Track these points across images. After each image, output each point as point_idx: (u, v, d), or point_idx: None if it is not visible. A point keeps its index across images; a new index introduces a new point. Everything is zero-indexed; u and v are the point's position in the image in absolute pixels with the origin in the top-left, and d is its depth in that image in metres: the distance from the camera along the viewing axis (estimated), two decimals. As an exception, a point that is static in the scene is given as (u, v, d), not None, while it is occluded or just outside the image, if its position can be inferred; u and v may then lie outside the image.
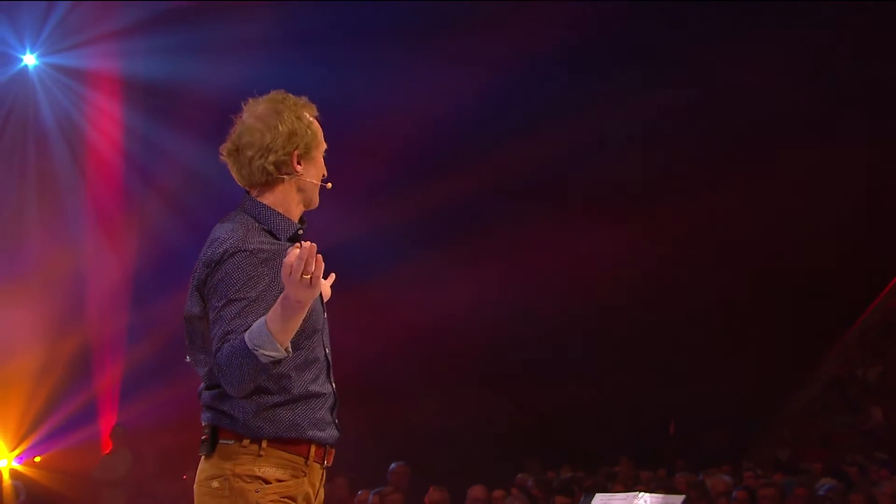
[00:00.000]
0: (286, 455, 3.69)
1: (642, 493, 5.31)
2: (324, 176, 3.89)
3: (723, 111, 15.20)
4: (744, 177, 15.35)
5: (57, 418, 14.41)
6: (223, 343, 3.50)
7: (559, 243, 15.64)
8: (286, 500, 3.68)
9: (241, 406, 3.64)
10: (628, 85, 14.87)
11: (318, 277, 3.39)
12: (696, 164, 15.58)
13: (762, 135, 15.30)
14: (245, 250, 3.61)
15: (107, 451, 14.00)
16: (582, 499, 5.34)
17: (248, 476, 3.64)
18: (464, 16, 14.05)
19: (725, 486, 10.80)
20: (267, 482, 3.64)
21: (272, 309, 3.44)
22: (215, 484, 3.66)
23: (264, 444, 3.65)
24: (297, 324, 3.48)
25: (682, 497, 5.34)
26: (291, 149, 3.76)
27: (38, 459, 14.39)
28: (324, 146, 3.89)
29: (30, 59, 14.35)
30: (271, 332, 3.42)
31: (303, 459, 3.72)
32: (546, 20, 13.91)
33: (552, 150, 14.88)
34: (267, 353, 3.43)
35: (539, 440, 15.86)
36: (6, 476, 13.92)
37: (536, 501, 10.77)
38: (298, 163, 3.79)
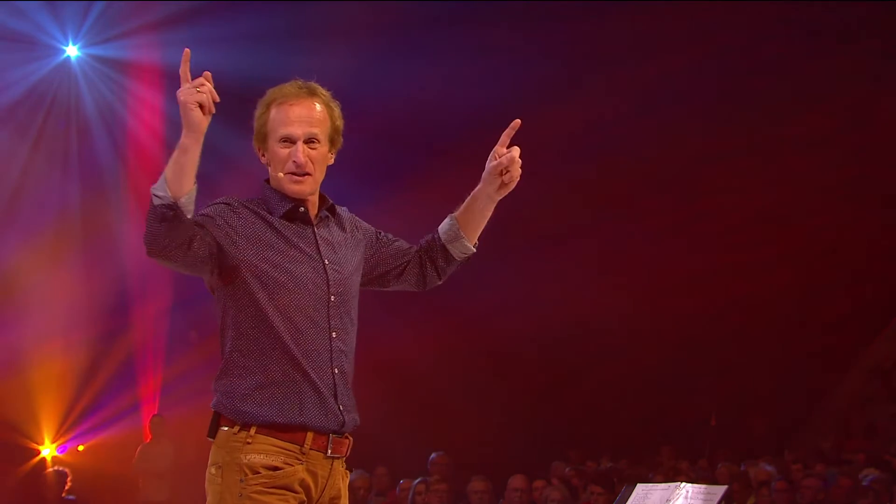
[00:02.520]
0: (278, 442, 3.66)
1: (684, 483, 5.27)
2: (295, 163, 3.85)
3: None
4: (789, 165, 15.26)
5: (100, 408, 14.52)
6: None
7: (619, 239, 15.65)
8: (276, 490, 3.63)
9: (228, 388, 3.71)
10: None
11: (208, 91, 3.62)
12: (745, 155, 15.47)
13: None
14: (224, 203, 3.83)
15: (147, 441, 14.10)
16: (623, 489, 5.30)
17: (236, 465, 3.64)
18: (479, 10, 14.01)
19: (768, 477, 10.75)
20: (255, 471, 3.62)
21: None
22: (212, 471, 3.70)
23: (253, 430, 3.65)
24: (185, 162, 3.57)
25: (724, 487, 5.28)
26: (256, 146, 3.96)
27: (81, 448, 14.50)
28: (279, 133, 3.86)
29: (72, 50, 14.41)
30: (164, 172, 3.54)
31: (298, 447, 3.69)
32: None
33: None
34: (156, 192, 3.52)
35: (580, 431, 15.83)
36: (53, 463, 14.05)
37: (575, 491, 10.75)
38: (263, 154, 3.94)
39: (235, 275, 3.73)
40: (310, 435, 3.70)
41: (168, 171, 3.53)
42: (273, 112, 3.87)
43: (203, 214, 3.74)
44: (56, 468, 12.27)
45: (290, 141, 3.84)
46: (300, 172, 3.83)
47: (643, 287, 16.26)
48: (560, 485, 10.34)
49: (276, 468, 3.64)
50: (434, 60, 14.06)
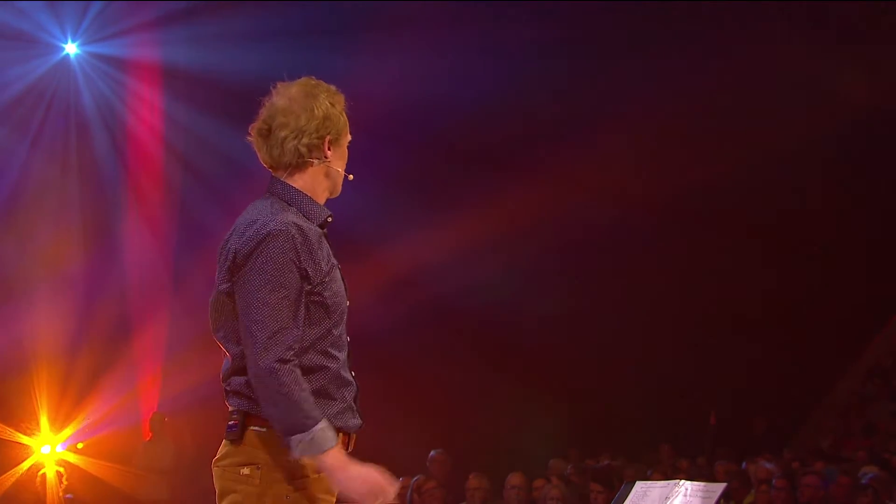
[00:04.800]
0: None
1: (683, 481, 5.27)
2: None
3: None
4: (786, 165, 15.25)
5: (100, 406, 14.51)
6: (273, 362, 3.51)
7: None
8: (322, 492, 3.66)
9: None
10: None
11: None
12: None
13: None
14: (286, 232, 3.58)
15: (147, 439, 14.10)
16: (623, 487, 5.30)
17: (281, 466, 3.61)
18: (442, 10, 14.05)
19: (767, 474, 10.75)
20: (304, 474, 3.62)
21: (329, 436, 3.52)
22: (246, 471, 3.63)
23: None
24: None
25: (723, 485, 5.29)
26: (325, 133, 3.77)
27: (80, 446, 14.49)
28: (349, 137, 3.88)
29: (71, 48, 14.41)
30: (316, 445, 3.51)
31: None
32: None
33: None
34: (307, 443, 3.50)
35: (579, 428, 15.82)
36: (51, 462, 14.05)
37: (575, 489, 10.75)
38: (329, 148, 3.80)
39: (308, 296, 3.69)
40: (340, 434, 3.70)
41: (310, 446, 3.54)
42: (342, 110, 3.87)
43: (300, 230, 3.64)
44: (55, 469, 12.32)
45: None
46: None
47: (643, 285, 16.26)
48: (560, 483, 10.33)
49: (320, 470, 3.63)
50: (434, 57, 14.07)
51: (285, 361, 3.51)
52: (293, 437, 3.48)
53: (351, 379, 3.78)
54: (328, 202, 3.89)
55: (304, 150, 3.75)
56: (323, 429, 3.50)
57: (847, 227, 15.91)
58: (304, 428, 3.48)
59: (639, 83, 14.61)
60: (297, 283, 3.57)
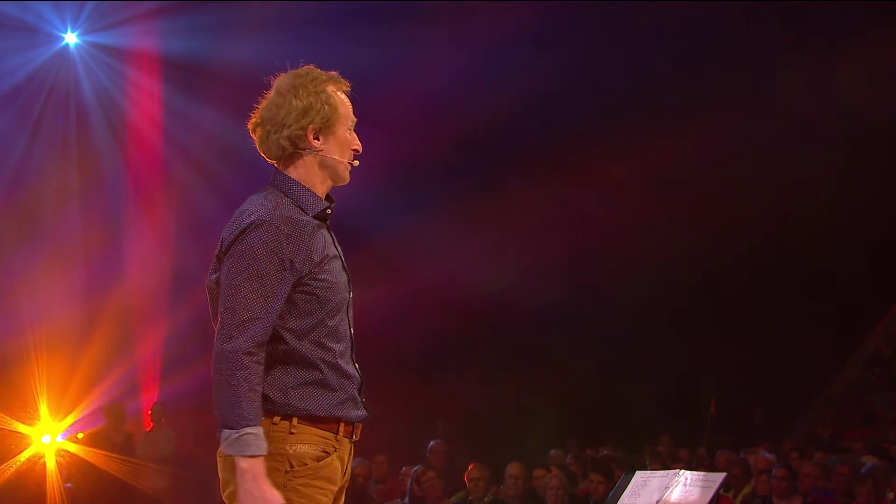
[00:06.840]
0: (317, 431, 3.65)
1: (683, 471, 5.28)
2: (357, 151, 3.83)
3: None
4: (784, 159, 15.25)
5: (99, 395, 14.52)
6: (235, 350, 3.50)
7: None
8: (319, 481, 3.65)
9: (272, 384, 3.62)
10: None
11: None
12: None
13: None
14: (271, 223, 3.56)
15: (148, 429, 14.11)
16: (623, 476, 5.31)
17: (280, 455, 3.60)
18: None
19: (767, 464, 10.74)
20: (302, 463, 3.61)
21: (257, 442, 3.49)
22: None
23: (295, 421, 3.62)
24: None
25: (723, 475, 5.30)
26: (306, 123, 3.71)
27: (80, 436, 14.50)
28: (350, 121, 3.81)
29: (71, 38, 14.43)
30: (241, 440, 3.47)
31: (333, 435, 3.68)
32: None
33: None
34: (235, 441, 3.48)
35: (579, 418, 15.84)
36: (51, 451, 14.06)
37: (574, 479, 10.75)
38: (316, 138, 3.74)
39: (296, 287, 3.66)
40: (342, 424, 3.71)
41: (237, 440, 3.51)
42: (338, 96, 3.80)
43: (288, 221, 3.60)
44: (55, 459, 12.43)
45: (352, 128, 3.84)
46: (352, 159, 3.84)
47: (643, 278, 16.27)
48: (559, 473, 10.33)
49: (320, 458, 3.65)
50: (435, 50, 14.06)
51: (249, 354, 3.50)
52: (224, 430, 3.48)
53: (352, 370, 3.76)
54: (336, 191, 3.86)
55: (285, 143, 3.71)
56: (254, 434, 3.48)
57: (848, 219, 15.90)
58: (237, 425, 3.47)
59: (650, 80, 14.63)
60: (276, 273, 3.54)
